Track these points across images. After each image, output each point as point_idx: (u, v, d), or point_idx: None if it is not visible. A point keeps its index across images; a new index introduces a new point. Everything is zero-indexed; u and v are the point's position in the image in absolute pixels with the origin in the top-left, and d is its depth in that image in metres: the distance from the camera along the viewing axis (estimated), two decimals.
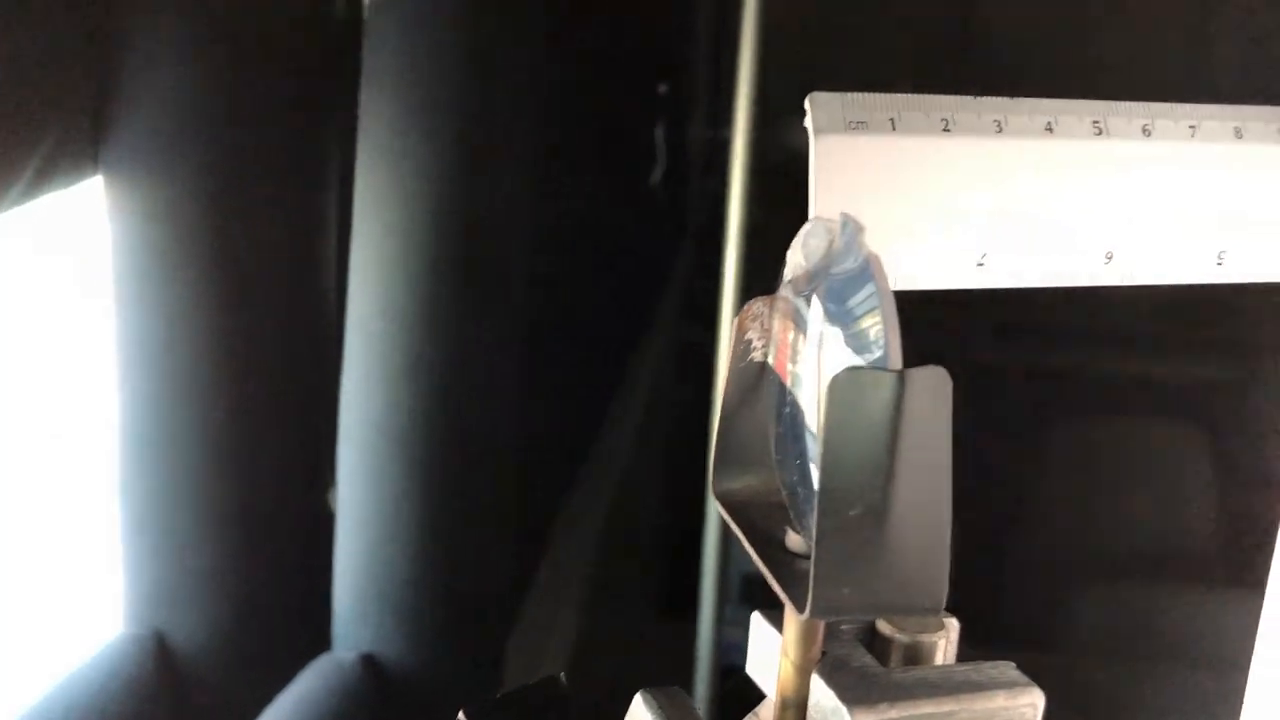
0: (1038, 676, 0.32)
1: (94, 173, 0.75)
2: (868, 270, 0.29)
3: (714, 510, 1.02)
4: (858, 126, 0.33)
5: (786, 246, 0.31)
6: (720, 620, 1.07)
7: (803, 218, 0.31)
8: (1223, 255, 0.38)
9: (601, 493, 1.20)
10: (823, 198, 0.33)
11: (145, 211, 0.77)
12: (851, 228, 0.29)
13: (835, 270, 0.29)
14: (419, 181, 0.76)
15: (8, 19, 0.65)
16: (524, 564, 0.94)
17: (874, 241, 0.31)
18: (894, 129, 0.33)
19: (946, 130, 0.33)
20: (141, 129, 0.75)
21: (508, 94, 0.82)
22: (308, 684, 0.78)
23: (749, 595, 1.22)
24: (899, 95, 0.33)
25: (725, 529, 1.05)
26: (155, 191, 0.76)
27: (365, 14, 0.81)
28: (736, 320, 0.32)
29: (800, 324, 0.31)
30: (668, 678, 0.35)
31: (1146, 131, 0.36)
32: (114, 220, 0.77)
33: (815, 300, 0.30)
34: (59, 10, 0.69)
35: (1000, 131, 0.33)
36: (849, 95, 0.32)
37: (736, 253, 1.09)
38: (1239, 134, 0.36)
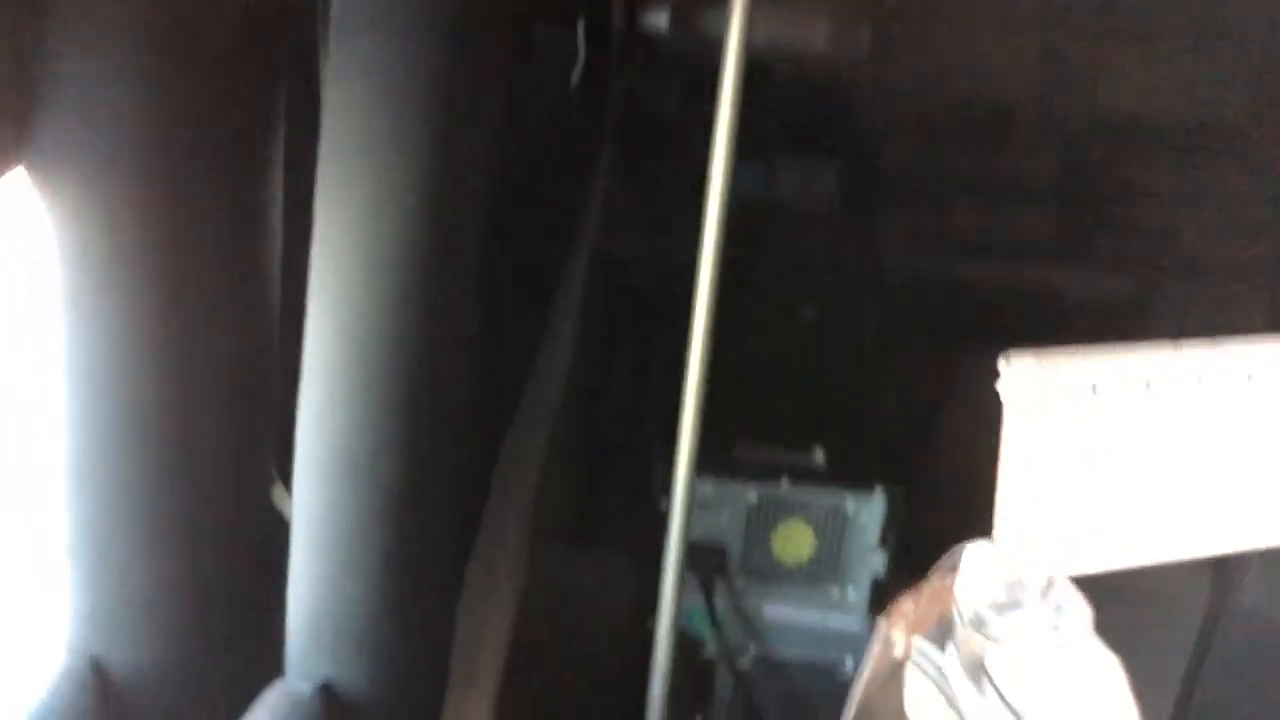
0: None
1: (19, 167, 0.67)
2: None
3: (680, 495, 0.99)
4: (1058, 396, 0.28)
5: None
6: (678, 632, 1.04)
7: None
8: None
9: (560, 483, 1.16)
10: (1013, 472, 0.28)
11: (79, 213, 0.68)
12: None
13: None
14: (385, 190, 0.69)
15: None
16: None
17: (1062, 517, 0.27)
18: (1094, 392, 0.28)
19: (1149, 388, 0.28)
20: (73, 127, 0.66)
21: (479, 80, 0.75)
22: (262, 716, 0.73)
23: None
24: (1098, 356, 0.28)
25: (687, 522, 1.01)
26: (88, 191, 0.68)
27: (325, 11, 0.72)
28: (885, 620, 0.28)
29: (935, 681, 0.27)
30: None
31: None
32: (49, 222, 0.68)
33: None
34: None
35: (1201, 382, 0.29)
36: (1047, 355, 0.28)
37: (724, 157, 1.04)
38: None
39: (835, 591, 1.21)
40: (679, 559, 0.99)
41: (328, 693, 0.75)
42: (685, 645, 1.19)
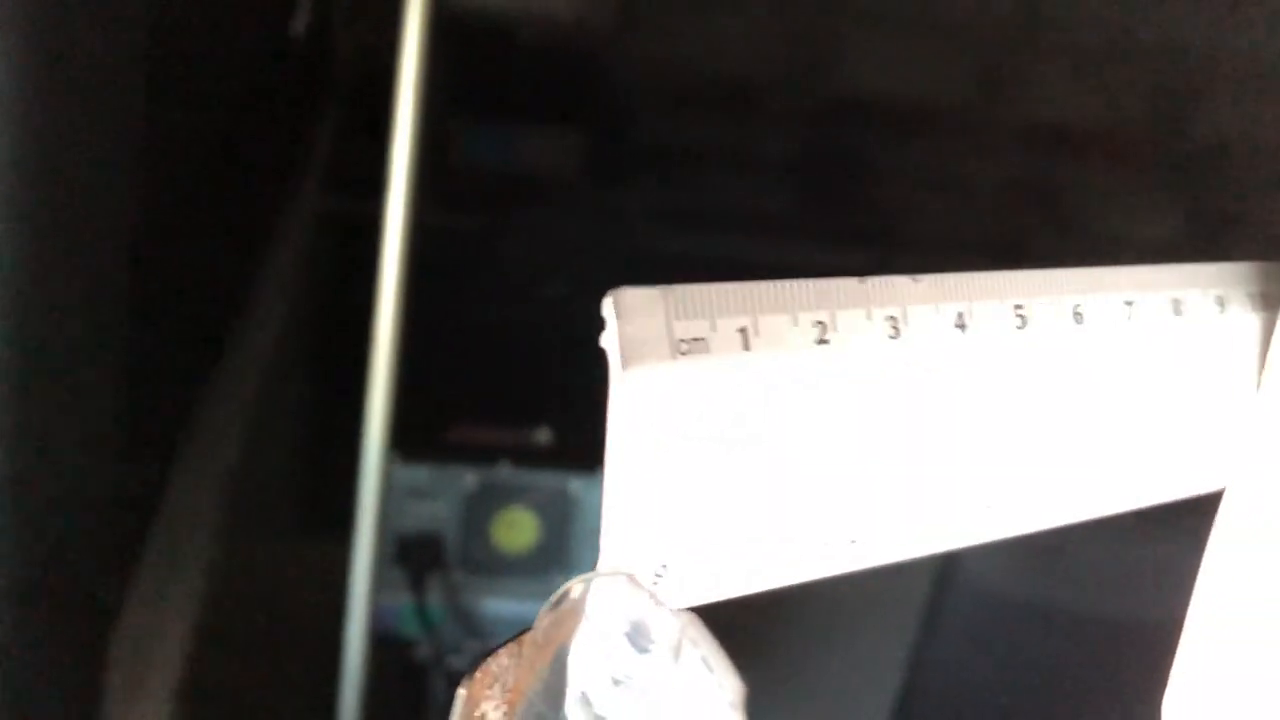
0: None
1: None
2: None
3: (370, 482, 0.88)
4: (692, 347, 0.19)
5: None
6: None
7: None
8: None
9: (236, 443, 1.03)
10: (622, 466, 0.19)
11: None
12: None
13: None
14: None
15: None
16: (130, 568, 0.77)
17: (704, 538, 0.18)
18: (747, 346, 0.20)
19: (824, 341, 0.20)
20: None
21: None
22: None
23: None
24: (758, 287, 0.19)
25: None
26: None
27: None
28: (466, 690, 0.20)
29: None
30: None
31: (1078, 316, 0.24)
32: None
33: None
34: None
35: (896, 336, 0.21)
36: (678, 290, 0.19)
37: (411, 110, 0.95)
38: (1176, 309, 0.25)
39: (561, 581, 1.13)
40: (372, 554, 0.89)
41: None
42: (395, 648, 1.08)
